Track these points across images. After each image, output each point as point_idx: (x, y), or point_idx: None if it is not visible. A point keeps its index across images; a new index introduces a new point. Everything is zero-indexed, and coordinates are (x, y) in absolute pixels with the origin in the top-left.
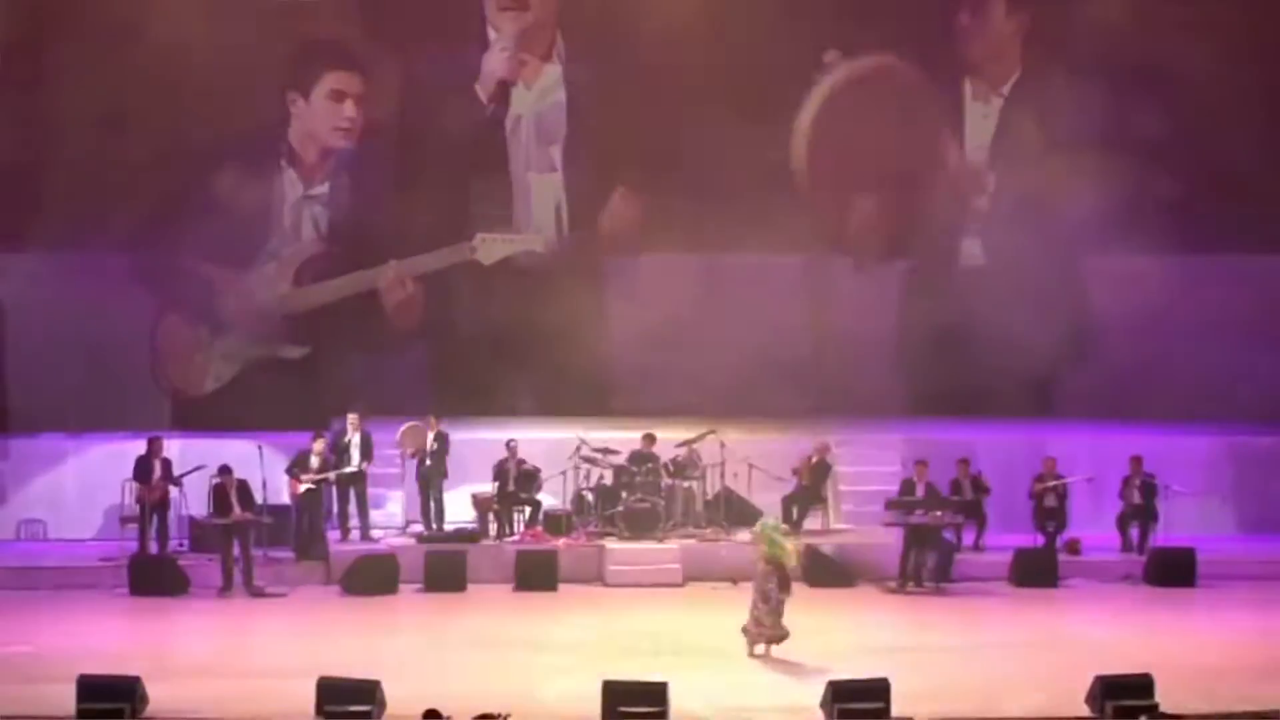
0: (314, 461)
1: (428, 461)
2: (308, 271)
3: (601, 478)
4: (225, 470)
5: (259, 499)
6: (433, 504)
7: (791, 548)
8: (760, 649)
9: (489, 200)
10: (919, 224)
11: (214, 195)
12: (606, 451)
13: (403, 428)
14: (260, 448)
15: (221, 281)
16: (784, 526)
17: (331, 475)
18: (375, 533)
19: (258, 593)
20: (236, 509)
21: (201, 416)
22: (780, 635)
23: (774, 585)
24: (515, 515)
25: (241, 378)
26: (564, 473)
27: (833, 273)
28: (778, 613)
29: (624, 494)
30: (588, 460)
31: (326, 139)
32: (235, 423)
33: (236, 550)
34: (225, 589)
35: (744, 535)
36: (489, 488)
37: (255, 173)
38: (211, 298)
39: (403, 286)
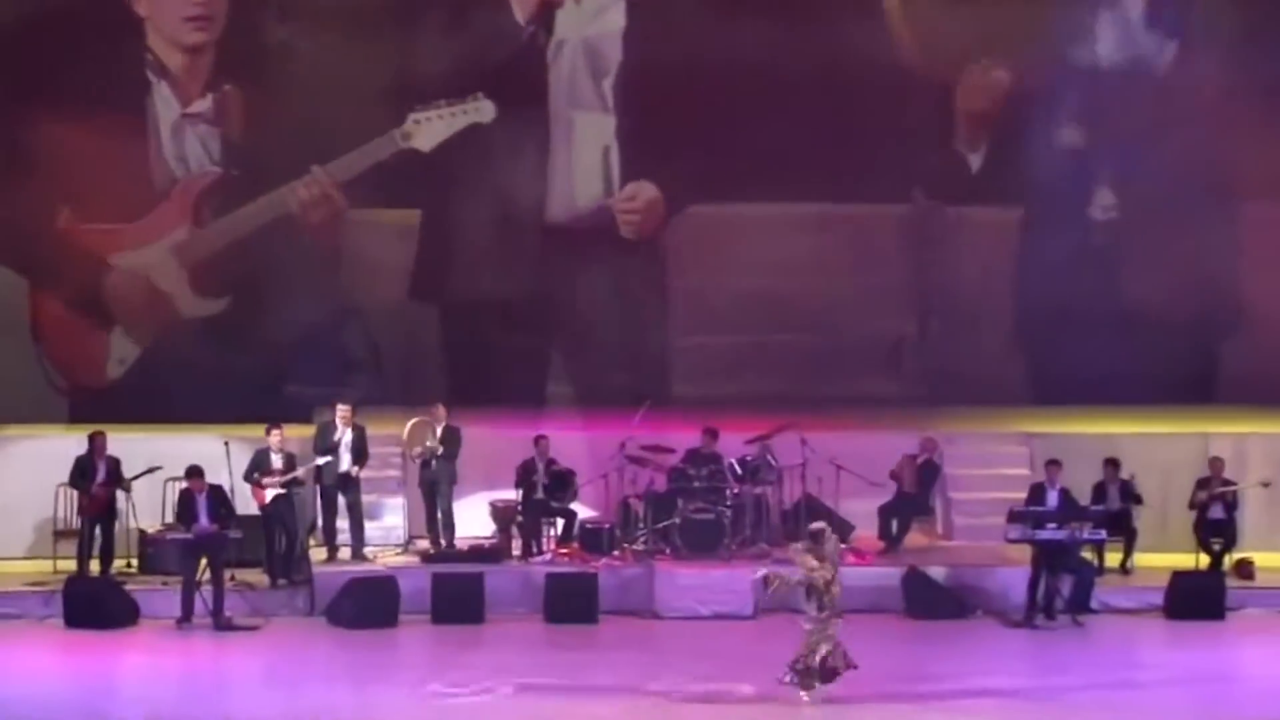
0: (275, 460)
1: (434, 463)
2: (207, 205)
3: (652, 483)
4: (195, 472)
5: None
6: (441, 514)
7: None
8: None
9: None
10: (1038, 142)
11: (73, 133)
12: (658, 450)
13: (409, 425)
14: (227, 444)
15: (102, 239)
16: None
17: (301, 472)
18: (370, 550)
19: (225, 625)
20: (204, 520)
21: (139, 407)
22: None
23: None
24: (545, 529)
25: (170, 355)
26: (605, 476)
27: (941, 225)
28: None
29: (680, 502)
30: (635, 461)
31: (181, 35)
32: (195, 416)
33: (201, 573)
34: (184, 620)
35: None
36: (512, 494)
37: (121, 97)
38: (93, 264)
39: (326, 200)
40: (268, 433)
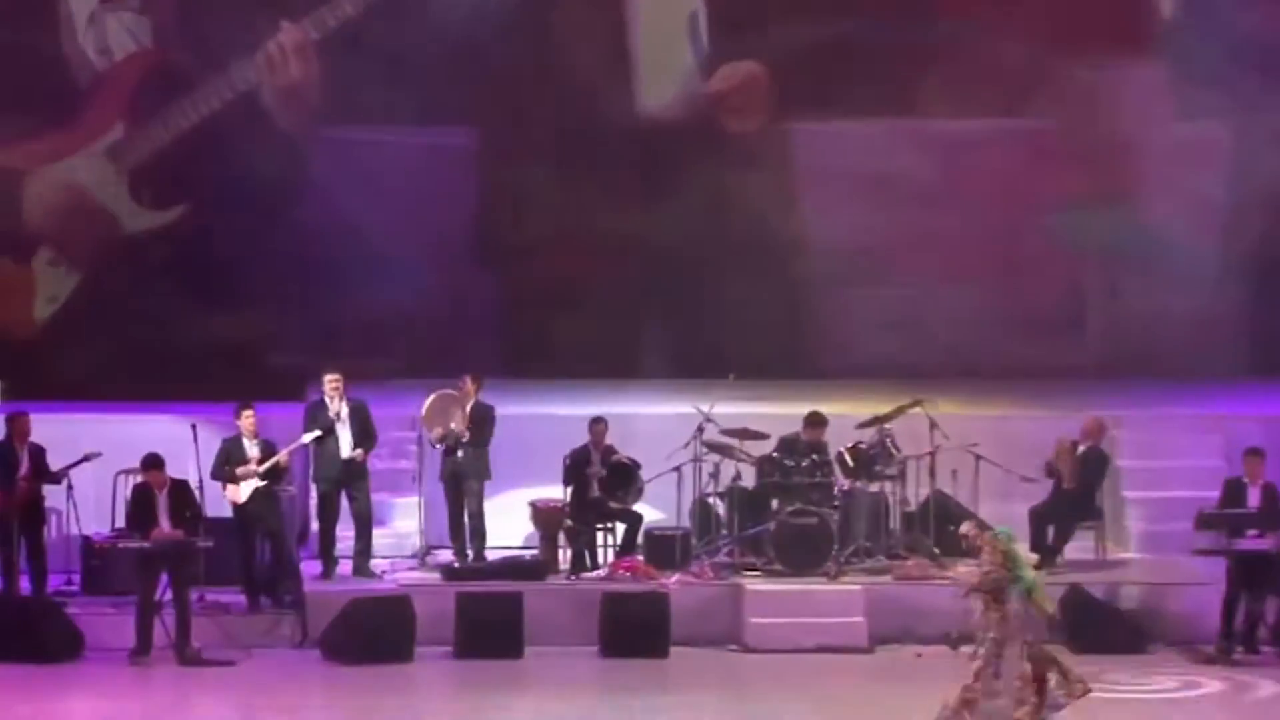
0: (250, 448)
1: (460, 452)
2: (143, 97)
3: (738, 477)
4: (153, 462)
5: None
6: (468, 518)
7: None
8: None
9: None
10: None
11: None
12: (745, 435)
13: (429, 400)
14: (194, 427)
15: (18, 157)
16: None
17: (284, 455)
18: (378, 564)
19: (192, 659)
20: (165, 525)
21: (73, 378)
22: None
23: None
24: (601, 536)
25: (112, 301)
26: (678, 469)
27: (1132, 149)
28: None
29: (774, 503)
30: (716, 449)
31: None
32: (146, 390)
33: (162, 592)
34: (140, 653)
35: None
36: (559, 492)
37: None
38: (10, 185)
39: (301, 57)
40: (238, 415)
